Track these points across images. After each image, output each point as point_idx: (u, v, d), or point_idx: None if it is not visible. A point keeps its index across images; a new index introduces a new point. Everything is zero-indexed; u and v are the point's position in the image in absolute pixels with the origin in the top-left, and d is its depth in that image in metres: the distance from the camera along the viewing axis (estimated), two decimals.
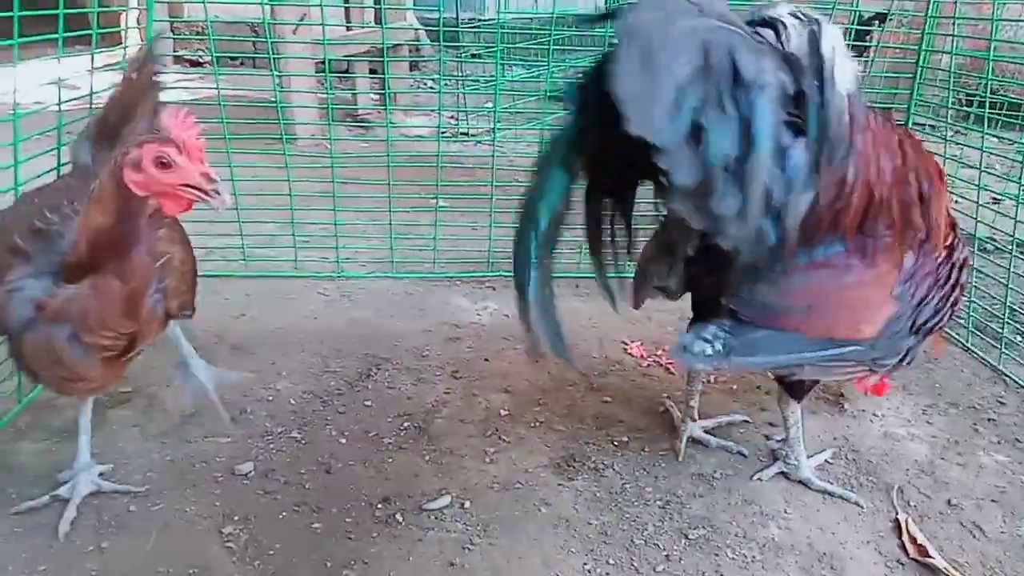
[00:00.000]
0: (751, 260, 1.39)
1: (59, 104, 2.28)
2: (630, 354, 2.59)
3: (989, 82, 2.72)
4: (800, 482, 1.96)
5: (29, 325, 1.48)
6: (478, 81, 6.07)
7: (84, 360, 1.52)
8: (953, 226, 1.72)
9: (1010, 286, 2.61)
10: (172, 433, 2.07)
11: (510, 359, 2.53)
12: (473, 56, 6.51)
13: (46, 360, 1.52)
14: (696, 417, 2.11)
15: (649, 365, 2.53)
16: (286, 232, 3.06)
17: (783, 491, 1.95)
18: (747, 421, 2.22)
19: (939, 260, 1.64)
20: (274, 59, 3.18)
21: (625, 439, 2.13)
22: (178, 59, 7.08)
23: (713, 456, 2.07)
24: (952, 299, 1.68)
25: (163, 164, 1.37)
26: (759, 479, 1.97)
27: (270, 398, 2.25)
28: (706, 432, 2.11)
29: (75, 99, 2.41)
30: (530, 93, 5.69)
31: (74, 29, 2.28)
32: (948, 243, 1.67)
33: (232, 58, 6.87)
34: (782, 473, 1.99)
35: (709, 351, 1.51)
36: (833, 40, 1.34)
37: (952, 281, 1.67)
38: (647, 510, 1.87)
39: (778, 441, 2.09)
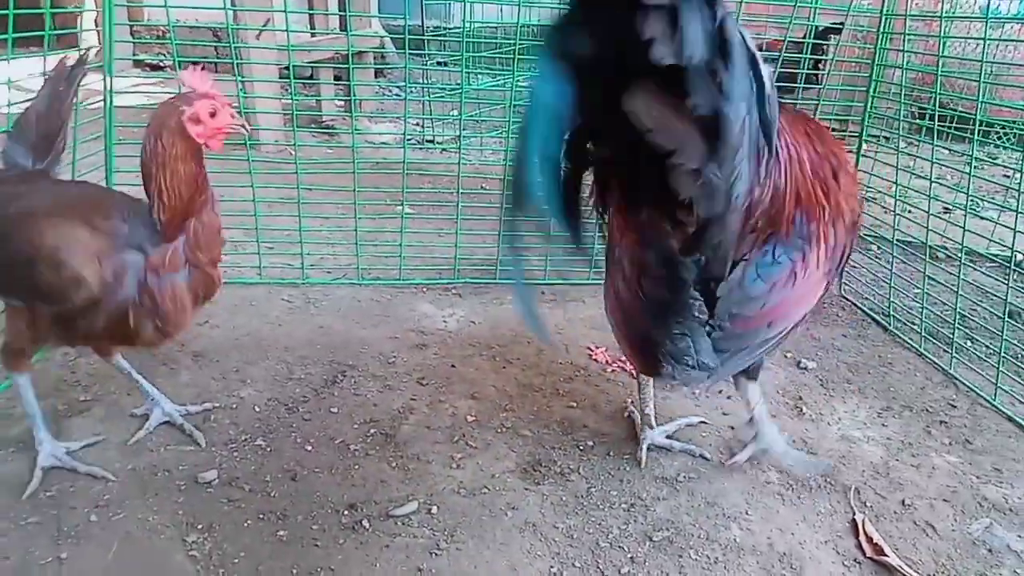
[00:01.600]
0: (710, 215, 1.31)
1: (9, 106, 2.24)
2: (595, 359, 2.62)
3: (939, 96, 2.82)
4: (775, 456, 2.02)
5: (141, 288, 1.69)
6: (443, 89, 6.09)
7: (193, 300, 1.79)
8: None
9: (960, 293, 2.70)
10: (133, 442, 2.03)
11: (476, 365, 2.54)
12: (439, 64, 6.52)
13: (172, 309, 1.73)
14: (654, 424, 2.14)
15: (614, 370, 2.56)
16: (250, 238, 3.03)
17: (744, 493, 1.99)
18: (704, 423, 2.26)
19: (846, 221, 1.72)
20: (237, 64, 3.15)
21: (590, 443, 2.16)
22: (138, 63, 6.96)
23: (676, 459, 2.11)
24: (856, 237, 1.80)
25: (212, 114, 1.70)
26: (735, 463, 2.02)
27: (234, 406, 2.23)
28: (668, 437, 2.15)
29: (27, 101, 2.36)
30: (495, 102, 5.72)
31: (29, 30, 2.24)
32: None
33: (194, 63, 6.78)
34: (762, 450, 2.03)
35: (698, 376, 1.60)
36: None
37: (855, 227, 1.77)
38: (612, 513, 1.89)
39: (749, 430, 2.08)
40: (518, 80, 3.30)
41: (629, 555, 1.76)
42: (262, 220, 3.03)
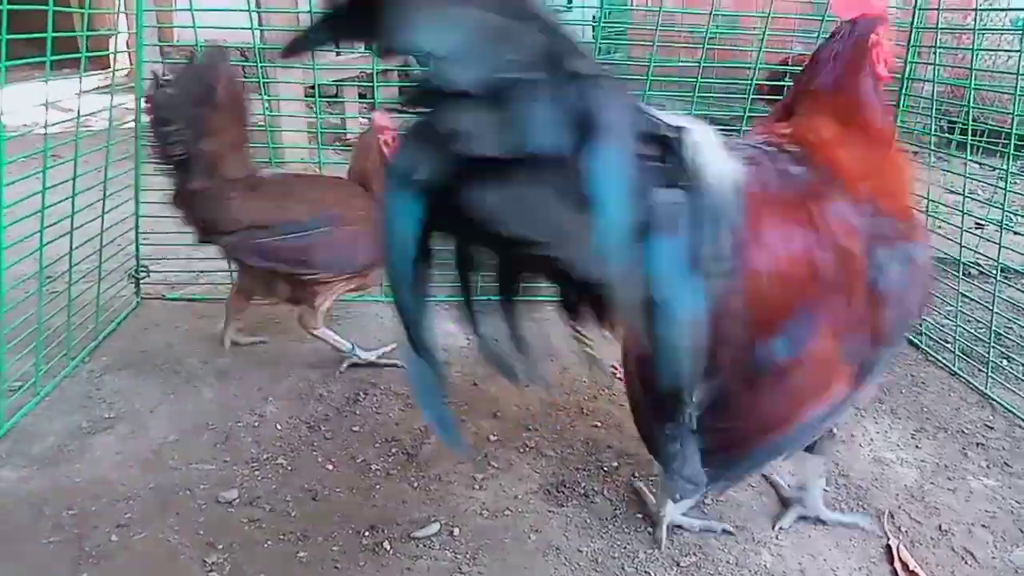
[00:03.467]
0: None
1: (46, 127, 2.27)
2: (620, 378, 2.58)
3: (970, 110, 2.77)
4: (817, 519, 1.90)
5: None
6: None
7: None
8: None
9: (995, 310, 2.63)
10: (155, 460, 2.04)
11: (499, 384, 2.52)
12: None
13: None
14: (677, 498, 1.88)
15: None
16: None
17: (774, 517, 1.93)
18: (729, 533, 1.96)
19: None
20: (263, 83, 3.17)
21: (615, 464, 2.11)
22: None
23: None
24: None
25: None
26: (780, 527, 1.88)
27: (256, 424, 2.23)
28: (683, 515, 1.91)
29: (63, 122, 2.40)
30: None
31: (63, 52, 2.28)
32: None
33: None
34: (802, 518, 1.91)
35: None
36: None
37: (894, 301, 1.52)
38: (638, 537, 1.85)
39: (798, 490, 1.97)
40: None
41: None
42: None
